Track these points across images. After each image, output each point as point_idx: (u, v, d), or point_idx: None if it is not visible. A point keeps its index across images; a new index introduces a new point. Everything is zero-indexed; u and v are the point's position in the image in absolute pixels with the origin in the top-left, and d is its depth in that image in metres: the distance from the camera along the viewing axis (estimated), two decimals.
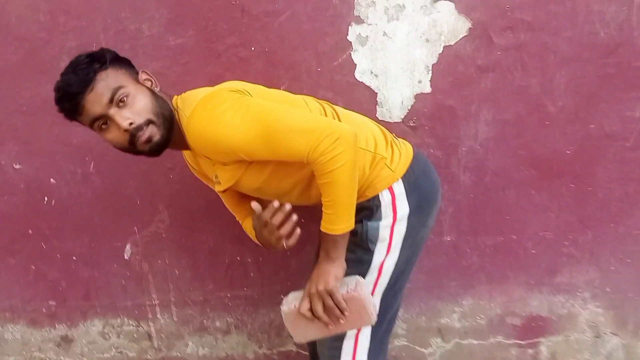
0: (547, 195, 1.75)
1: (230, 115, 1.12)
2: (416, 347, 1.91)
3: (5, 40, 1.59)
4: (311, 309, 1.21)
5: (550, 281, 1.85)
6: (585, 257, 1.82)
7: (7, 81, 1.63)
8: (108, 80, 1.14)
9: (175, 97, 1.26)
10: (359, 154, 1.21)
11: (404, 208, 1.27)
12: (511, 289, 1.86)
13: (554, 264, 1.83)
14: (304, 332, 1.27)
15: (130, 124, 1.14)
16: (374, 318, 1.24)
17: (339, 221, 1.16)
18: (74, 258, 1.84)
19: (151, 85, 1.23)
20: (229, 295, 1.87)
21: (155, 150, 1.21)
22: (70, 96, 1.14)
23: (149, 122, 1.16)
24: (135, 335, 1.93)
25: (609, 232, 1.79)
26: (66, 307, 1.89)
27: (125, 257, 1.84)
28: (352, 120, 1.33)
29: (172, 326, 1.91)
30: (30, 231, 1.80)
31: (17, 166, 1.73)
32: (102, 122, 1.17)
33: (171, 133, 1.21)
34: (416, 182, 1.29)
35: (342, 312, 1.20)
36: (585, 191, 1.75)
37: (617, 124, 1.68)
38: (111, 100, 1.14)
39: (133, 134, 1.15)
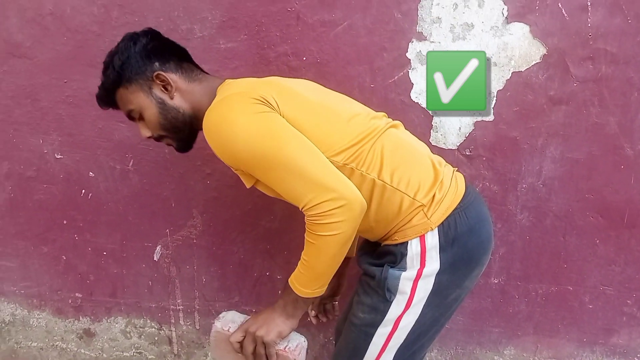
0: (613, 246, 1.62)
1: (244, 125, 1.05)
2: None
3: (58, 31, 1.59)
4: (241, 343, 1.16)
5: (606, 341, 1.72)
6: None
7: (56, 71, 1.63)
8: (121, 101, 1.24)
9: (222, 83, 1.23)
10: (394, 195, 1.11)
11: (434, 264, 1.12)
12: (560, 344, 1.73)
13: (612, 323, 1.70)
14: (222, 355, 1.24)
15: (148, 137, 1.26)
16: None
17: (308, 285, 1.10)
18: (105, 253, 1.83)
19: (168, 90, 1.20)
20: (254, 310, 1.81)
21: (180, 151, 1.31)
22: (102, 105, 1.30)
23: (160, 136, 1.26)
24: (156, 338, 1.90)
25: None
26: (92, 301, 1.89)
27: (155, 258, 1.81)
28: (408, 150, 1.19)
29: (193, 334, 1.88)
30: (65, 222, 1.80)
31: (59, 156, 1.73)
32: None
33: (192, 135, 1.27)
34: (457, 238, 1.13)
35: None
36: None
37: None
38: (129, 117, 1.26)
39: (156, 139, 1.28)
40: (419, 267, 1.12)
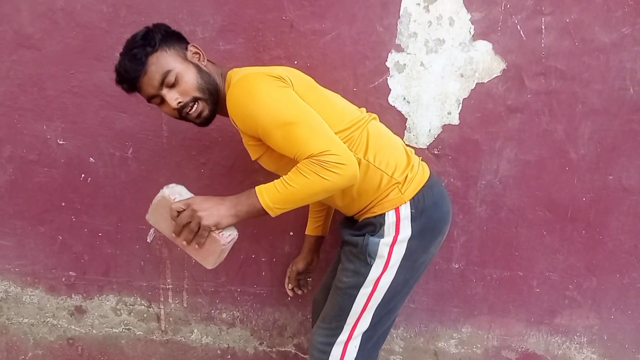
0: (558, 238, 1.80)
1: (265, 94, 1.19)
2: None
3: (68, 25, 1.69)
4: (179, 214, 1.21)
5: (550, 321, 1.89)
6: (587, 303, 1.86)
7: (64, 63, 1.73)
8: (158, 64, 1.26)
9: (231, 70, 1.36)
10: (375, 173, 1.30)
11: (406, 231, 1.33)
12: (511, 323, 1.90)
13: (555, 305, 1.87)
14: (157, 219, 1.27)
15: (179, 102, 1.28)
16: (213, 266, 1.26)
17: (275, 201, 1.19)
18: (100, 234, 1.92)
19: (199, 59, 1.33)
20: (239, 290, 1.95)
21: (205, 122, 1.35)
22: (127, 80, 1.29)
23: (195, 99, 1.29)
24: (145, 315, 2.01)
25: (614, 281, 1.84)
26: (85, 279, 1.98)
27: (148, 240, 1.92)
28: (387, 139, 1.39)
29: (181, 312, 1.99)
30: (63, 204, 1.89)
31: (61, 142, 1.82)
32: (157, 99, 1.31)
33: (218, 105, 1.34)
34: (425, 210, 1.34)
35: (197, 243, 1.22)
36: (595, 239, 1.80)
37: (636, 179, 1.73)
38: (162, 83, 1.27)
39: (182, 109, 1.29)
40: (394, 234, 1.32)
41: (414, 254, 1.35)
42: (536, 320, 1.89)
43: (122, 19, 1.67)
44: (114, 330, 2.03)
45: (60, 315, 2.04)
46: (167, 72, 1.26)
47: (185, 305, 1.99)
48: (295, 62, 1.68)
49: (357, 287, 1.35)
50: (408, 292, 1.44)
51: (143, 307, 2.00)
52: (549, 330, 1.91)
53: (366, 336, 1.40)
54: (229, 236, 1.24)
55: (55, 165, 1.85)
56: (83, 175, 1.86)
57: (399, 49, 1.66)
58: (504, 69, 1.66)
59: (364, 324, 1.39)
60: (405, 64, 1.67)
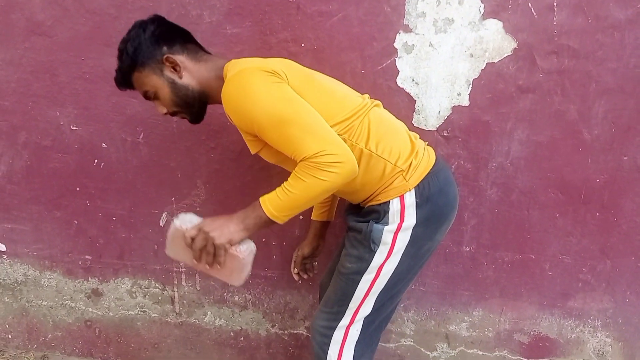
0: (571, 220, 1.78)
1: (259, 92, 1.19)
2: (422, 349, 1.97)
3: (77, 12, 1.71)
4: (194, 240, 1.25)
5: (563, 304, 1.88)
6: (601, 286, 1.84)
7: (74, 49, 1.76)
8: (137, 83, 1.37)
9: (228, 62, 1.35)
10: (378, 162, 1.29)
11: (411, 218, 1.31)
12: (523, 307, 1.89)
13: (569, 288, 1.86)
14: (176, 250, 1.31)
15: (164, 113, 1.40)
16: (240, 282, 1.31)
17: (279, 210, 1.21)
18: (114, 219, 1.96)
19: (177, 70, 1.33)
20: (250, 273, 1.96)
21: (193, 123, 1.45)
22: (119, 87, 1.42)
23: (174, 112, 1.40)
24: (159, 298, 2.05)
25: (629, 264, 1.81)
26: (100, 263, 2.03)
27: (161, 224, 1.95)
28: (390, 125, 1.37)
29: (194, 294, 2.03)
30: (77, 189, 1.93)
31: (74, 128, 1.86)
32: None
33: (201, 109, 1.41)
34: (430, 197, 1.32)
35: (218, 263, 1.25)
36: (609, 221, 1.77)
37: None
38: (145, 97, 1.39)
39: (171, 115, 1.41)
40: (399, 221, 1.31)
41: (419, 241, 1.34)
42: (549, 303, 1.88)
43: (130, 4, 1.69)
44: (129, 312, 2.08)
45: (77, 298, 2.09)
46: (145, 92, 1.36)
47: (198, 288, 2.02)
48: (302, 45, 1.67)
49: (360, 272, 1.35)
50: (412, 279, 1.43)
51: (157, 289, 2.04)
52: (562, 314, 1.89)
53: (368, 320, 1.41)
54: (247, 249, 1.27)
55: (69, 150, 1.89)
56: (96, 160, 1.89)
57: (407, 30, 1.64)
58: (514, 48, 1.63)
59: (366, 309, 1.39)
60: (413, 45, 1.65)
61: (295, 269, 1.76)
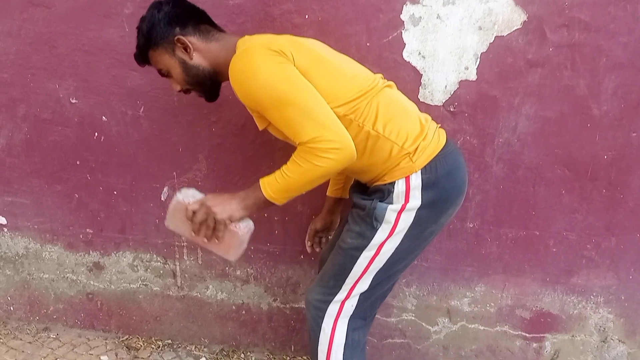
0: (577, 196, 1.77)
1: (262, 72, 1.20)
2: (423, 324, 1.98)
3: None
4: (195, 213, 1.29)
5: (566, 281, 1.88)
6: (605, 263, 1.84)
7: (73, 21, 1.72)
8: (152, 60, 1.40)
9: (241, 38, 1.36)
10: (385, 144, 1.28)
11: (416, 200, 1.30)
12: (526, 283, 1.90)
13: (572, 265, 1.86)
14: (175, 223, 1.37)
15: (178, 90, 1.43)
16: (235, 258, 1.35)
17: (277, 192, 1.25)
18: (115, 192, 1.95)
19: (188, 51, 1.35)
20: (252, 248, 1.97)
21: (208, 101, 1.48)
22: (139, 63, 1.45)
23: (187, 89, 1.43)
24: (161, 272, 2.05)
25: (634, 241, 1.81)
26: (102, 236, 2.03)
27: (162, 198, 1.94)
28: (400, 107, 1.35)
29: (196, 268, 2.03)
30: (78, 162, 1.92)
31: (74, 100, 1.83)
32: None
33: (213, 87, 1.43)
34: (437, 180, 1.30)
35: (216, 237, 1.29)
36: (616, 198, 1.76)
37: None
38: (160, 74, 1.43)
39: (185, 92, 1.45)
40: (403, 202, 1.30)
41: (422, 224, 1.33)
42: (552, 279, 1.88)
43: None
44: (131, 285, 2.09)
45: (79, 271, 2.10)
46: (159, 70, 1.41)
47: (200, 263, 2.02)
48: (306, 17, 1.63)
49: (360, 249, 1.35)
50: (412, 260, 1.43)
51: (159, 263, 2.05)
52: (564, 290, 1.89)
53: (364, 297, 1.41)
54: (246, 227, 1.31)
55: (69, 123, 1.86)
56: (96, 133, 1.87)
57: (414, 1, 1.60)
58: (524, 21, 1.59)
59: (363, 285, 1.39)
60: (420, 17, 1.61)
61: (309, 242, 1.78)
